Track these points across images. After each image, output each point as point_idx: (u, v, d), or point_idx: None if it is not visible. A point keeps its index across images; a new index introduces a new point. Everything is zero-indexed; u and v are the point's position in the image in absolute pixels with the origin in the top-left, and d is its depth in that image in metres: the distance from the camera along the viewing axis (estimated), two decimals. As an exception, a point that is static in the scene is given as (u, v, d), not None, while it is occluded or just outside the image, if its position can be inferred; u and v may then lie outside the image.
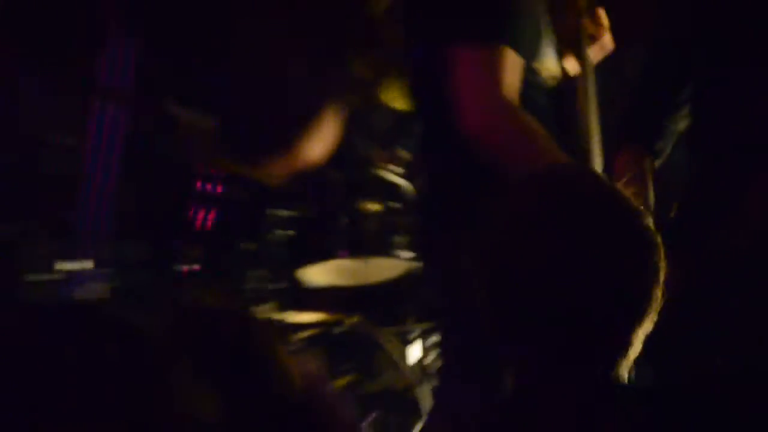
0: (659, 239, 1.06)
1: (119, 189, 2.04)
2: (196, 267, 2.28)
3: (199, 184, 2.13)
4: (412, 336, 2.26)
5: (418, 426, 2.18)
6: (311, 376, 1.09)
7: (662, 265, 1.05)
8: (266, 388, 1.02)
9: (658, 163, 1.93)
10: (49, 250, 2.01)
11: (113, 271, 2.12)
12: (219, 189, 2.24)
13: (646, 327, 1.06)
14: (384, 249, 2.26)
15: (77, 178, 1.95)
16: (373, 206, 2.25)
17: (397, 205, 2.23)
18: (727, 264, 1.77)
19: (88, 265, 2.03)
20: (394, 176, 2.27)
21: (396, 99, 2.15)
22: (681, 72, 1.82)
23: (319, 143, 2.29)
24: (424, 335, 2.26)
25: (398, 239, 2.27)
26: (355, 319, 2.29)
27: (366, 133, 2.47)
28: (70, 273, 1.98)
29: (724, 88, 1.75)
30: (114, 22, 1.83)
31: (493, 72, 1.52)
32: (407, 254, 2.25)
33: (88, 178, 1.88)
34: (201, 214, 2.19)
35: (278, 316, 2.29)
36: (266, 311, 2.30)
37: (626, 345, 1.06)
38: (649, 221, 1.09)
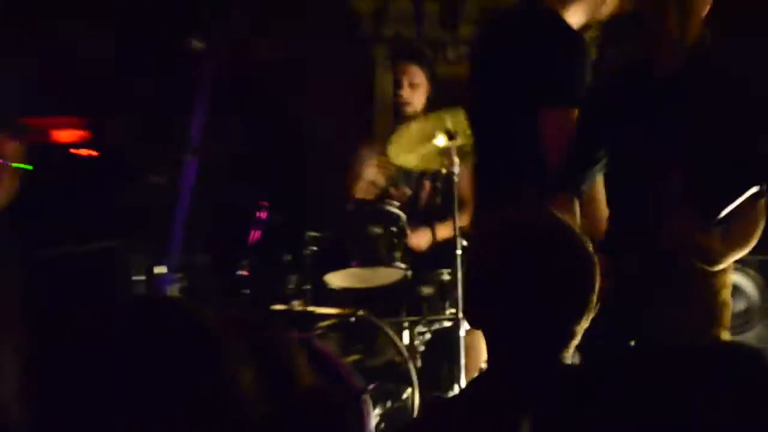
0: (595, 259, 1.36)
1: (192, 215, 2.77)
2: (246, 272, 3.03)
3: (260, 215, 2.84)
4: (404, 325, 2.89)
5: (409, 392, 2.81)
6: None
7: (597, 278, 1.35)
8: (289, 378, 1.16)
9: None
10: (148, 259, 2.77)
11: (186, 274, 2.88)
12: (264, 215, 2.98)
13: (584, 323, 1.34)
14: (385, 261, 2.88)
15: (166, 207, 2.68)
16: (378, 229, 2.87)
17: (394, 229, 2.85)
18: (641, 275, 2.20)
19: (170, 269, 2.78)
20: (393, 208, 2.89)
21: (399, 156, 2.88)
22: (600, 137, 2.46)
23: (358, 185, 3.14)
24: (412, 324, 2.90)
25: (396, 254, 2.89)
26: (363, 312, 2.88)
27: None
28: (160, 275, 2.72)
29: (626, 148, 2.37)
30: (202, 95, 2.54)
31: (569, 127, 2.27)
32: (402, 265, 2.87)
33: (178, 208, 2.59)
34: (252, 234, 2.91)
35: (307, 309, 2.94)
36: (298, 305, 2.97)
37: (572, 336, 1.34)
38: (590, 247, 1.38)
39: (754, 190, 2.17)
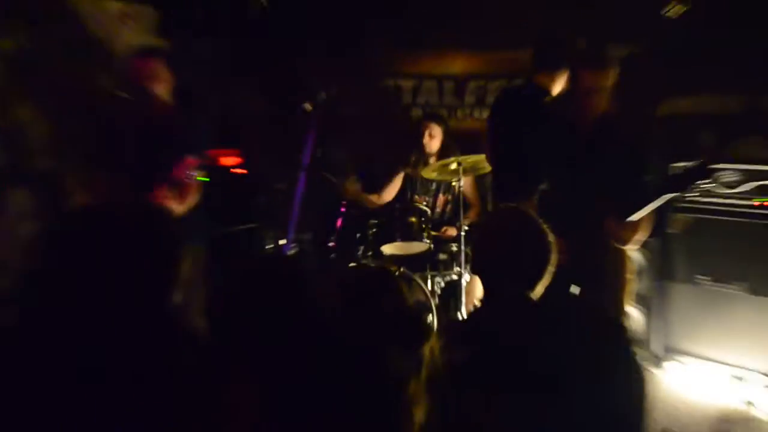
0: (552, 240, 1.80)
1: (301, 209, 3.91)
2: (333, 245, 4.28)
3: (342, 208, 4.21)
4: (428, 277, 4.06)
5: (430, 317, 3.82)
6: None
7: (554, 253, 1.79)
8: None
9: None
10: (275, 235, 4.16)
11: (298, 245, 4.12)
12: (344, 209, 4.32)
13: (545, 280, 1.80)
14: (417, 238, 4.04)
15: (286, 204, 4.07)
16: (413, 219, 4.07)
17: (423, 219, 4.05)
18: (586, 253, 2.77)
19: (288, 242, 3.92)
20: (422, 206, 4.15)
21: (428, 173, 4.15)
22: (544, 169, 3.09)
23: (391, 191, 4.47)
24: (432, 277, 4.08)
25: (424, 234, 4.04)
26: (403, 269, 3.97)
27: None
28: (283, 245, 3.91)
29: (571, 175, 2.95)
30: (309, 134, 3.74)
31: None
32: (427, 241, 4.02)
33: (293, 206, 3.80)
34: (337, 221, 4.28)
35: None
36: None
37: (536, 284, 1.79)
38: (548, 232, 1.83)
39: (657, 204, 2.75)
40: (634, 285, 3.16)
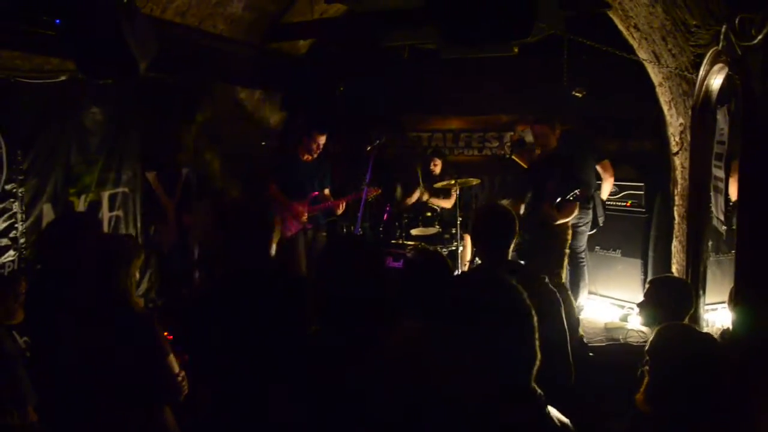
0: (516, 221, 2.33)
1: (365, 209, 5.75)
2: (382, 230, 5.99)
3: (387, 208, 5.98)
4: (438, 248, 5.06)
5: None
6: None
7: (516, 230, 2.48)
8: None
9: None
10: (347, 224, 5.90)
11: (361, 231, 5.93)
12: (389, 208, 6.11)
13: (510, 249, 2.40)
14: (431, 225, 5.67)
15: (354, 206, 5.77)
16: (430, 213, 5.75)
17: (435, 214, 5.73)
18: (536, 233, 4.15)
19: (356, 229, 5.79)
20: (436, 206, 5.84)
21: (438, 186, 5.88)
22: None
23: (413, 198, 6.18)
24: (440, 248, 5.45)
25: (435, 222, 5.68)
26: (423, 244, 5.15)
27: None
28: (352, 230, 5.85)
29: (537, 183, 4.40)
30: (370, 161, 5.42)
31: None
32: (438, 227, 5.65)
33: (360, 207, 5.47)
34: (384, 215, 6.14)
35: (403, 242, 5.60)
36: (401, 242, 5.60)
37: (506, 254, 2.29)
38: (516, 217, 2.35)
39: (569, 196, 3.89)
40: (564, 255, 4.28)
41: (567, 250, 4.44)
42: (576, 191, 4.09)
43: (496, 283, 1.25)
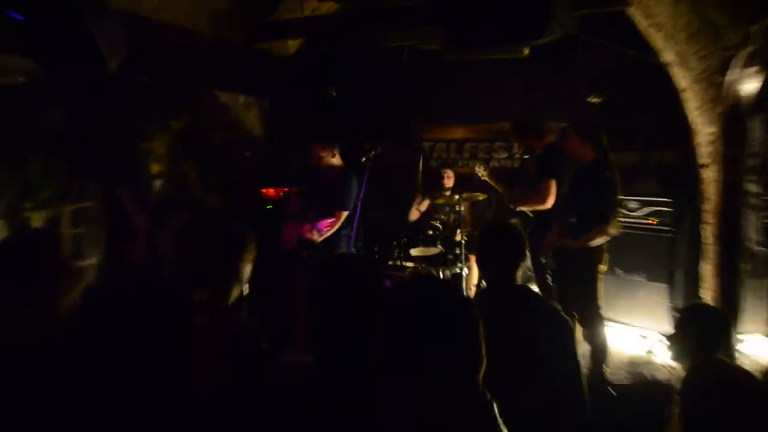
0: (526, 240, 2.27)
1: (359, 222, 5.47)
2: (376, 249, 5.83)
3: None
4: (441, 270, 5.44)
5: None
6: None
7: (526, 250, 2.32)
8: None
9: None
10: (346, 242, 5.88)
11: (354, 251, 5.64)
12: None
13: (520, 268, 2.35)
14: (433, 245, 5.53)
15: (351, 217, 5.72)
16: (431, 231, 5.62)
17: (437, 232, 5.58)
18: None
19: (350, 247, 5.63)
20: (436, 223, 5.68)
21: (440, 200, 5.67)
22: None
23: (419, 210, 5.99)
24: (443, 270, 5.42)
25: (437, 242, 5.53)
26: (424, 265, 5.43)
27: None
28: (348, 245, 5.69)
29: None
30: (365, 173, 4.91)
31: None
32: (440, 247, 5.49)
33: (355, 218, 5.03)
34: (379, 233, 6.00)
35: (402, 263, 5.48)
36: (399, 262, 5.50)
37: (514, 275, 2.26)
38: (523, 234, 2.31)
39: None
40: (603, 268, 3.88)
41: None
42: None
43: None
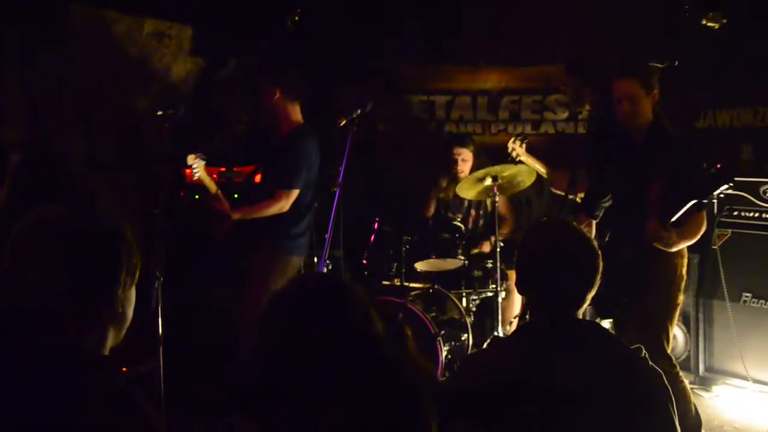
0: (599, 253, 1.83)
1: (335, 226, 4.13)
2: (365, 261, 4.42)
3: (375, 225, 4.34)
4: (462, 294, 4.20)
5: (465, 336, 4.04)
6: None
7: (600, 266, 1.81)
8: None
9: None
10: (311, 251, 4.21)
11: (332, 261, 4.05)
12: (376, 226, 4.43)
13: (592, 293, 1.83)
14: (451, 254, 4.19)
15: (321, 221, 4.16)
16: (447, 235, 4.24)
17: (457, 235, 4.20)
18: (633, 260, 3.11)
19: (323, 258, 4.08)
20: (457, 222, 4.28)
21: (462, 192, 4.27)
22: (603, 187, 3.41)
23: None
24: (467, 294, 4.20)
25: (458, 250, 4.19)
26: (437, 286, 4.12)
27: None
28: (318, 261, 3.99)
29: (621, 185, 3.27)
30: (345, 153, 3.69)
31: None
32: (461, 257, 4.15)
33: (329, 221, 3.85)
34: (370, 237, 4.43)
35: (403, 284, 4.14)
36: (397, 282, 4.16)
37: (583, 302, 1.84)
38: (596, 246, 1.85)
39: (690, 205, 2.95)
40: (680, 300, 3.29)
41: (681, 297, 3.38)
42: (726, 186, 3.01)
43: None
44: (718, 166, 2.96)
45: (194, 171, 3.48)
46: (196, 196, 4.38)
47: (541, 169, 4.43)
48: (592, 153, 3.66)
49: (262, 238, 3.71)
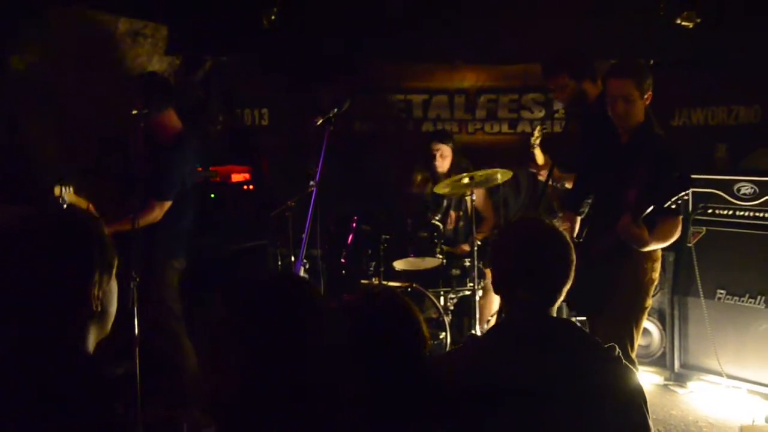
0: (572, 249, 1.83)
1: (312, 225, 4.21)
2: (344, 260, 4.46)
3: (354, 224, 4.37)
4: (440, 293, 4.24)
5: (443, 335, 4.09)
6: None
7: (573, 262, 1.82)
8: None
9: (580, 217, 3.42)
10: (286, 251, 4.24)
11: (309, 261, 4.11)
12: (355, 225, 4.52)
13: (566, 287, 1.85)
14: (430, 253, 4.27)
15: (297, 219, 4.20)
16: (425, 234, 4.30)
17: (435, 234, 4.26)
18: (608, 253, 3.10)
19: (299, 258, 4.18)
20: (435, 221, 4.32)
21: (440, 189, 4.26)
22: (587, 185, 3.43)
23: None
24: (445, 293, 4.25)
25: (436, 249, 4.26)
26: (415, 285, 4.14)
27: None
28: (294, 261, 4.05)
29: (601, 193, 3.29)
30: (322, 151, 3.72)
31: None
32: (440, 256, 4.23)
33: (306, 220, 3.99)
34: (348, 236, 4.49)
35: (381, 282, 4.24)
36: (375, 280, 4.27)
37: (557, 299, 1.85)
38: (569, 242, 1.87)
39: (648, 210, 2.98)
40: (648, 304, 3.27)
41: (650, 300, 3.34)
42: (683, 193, 3.06)
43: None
44: (677, 174, 3.01)
45: (63, 202, 3.43)
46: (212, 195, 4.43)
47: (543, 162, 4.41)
48: (578, 150, 3.67)
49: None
